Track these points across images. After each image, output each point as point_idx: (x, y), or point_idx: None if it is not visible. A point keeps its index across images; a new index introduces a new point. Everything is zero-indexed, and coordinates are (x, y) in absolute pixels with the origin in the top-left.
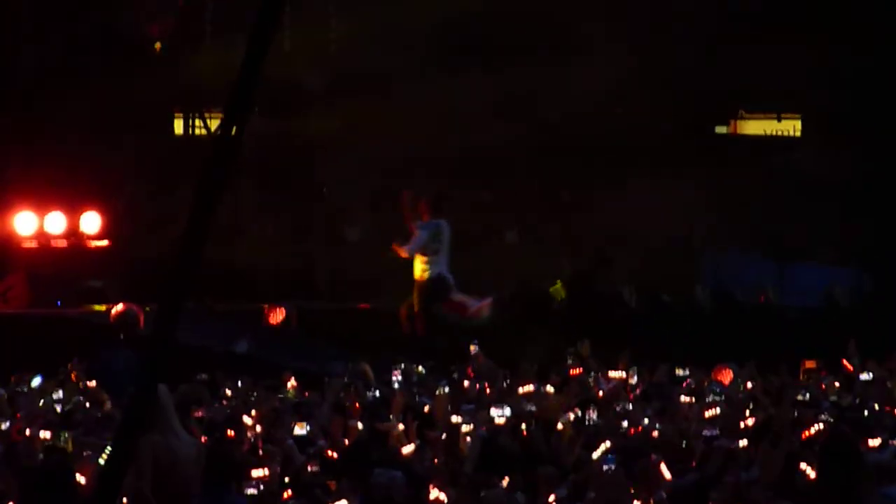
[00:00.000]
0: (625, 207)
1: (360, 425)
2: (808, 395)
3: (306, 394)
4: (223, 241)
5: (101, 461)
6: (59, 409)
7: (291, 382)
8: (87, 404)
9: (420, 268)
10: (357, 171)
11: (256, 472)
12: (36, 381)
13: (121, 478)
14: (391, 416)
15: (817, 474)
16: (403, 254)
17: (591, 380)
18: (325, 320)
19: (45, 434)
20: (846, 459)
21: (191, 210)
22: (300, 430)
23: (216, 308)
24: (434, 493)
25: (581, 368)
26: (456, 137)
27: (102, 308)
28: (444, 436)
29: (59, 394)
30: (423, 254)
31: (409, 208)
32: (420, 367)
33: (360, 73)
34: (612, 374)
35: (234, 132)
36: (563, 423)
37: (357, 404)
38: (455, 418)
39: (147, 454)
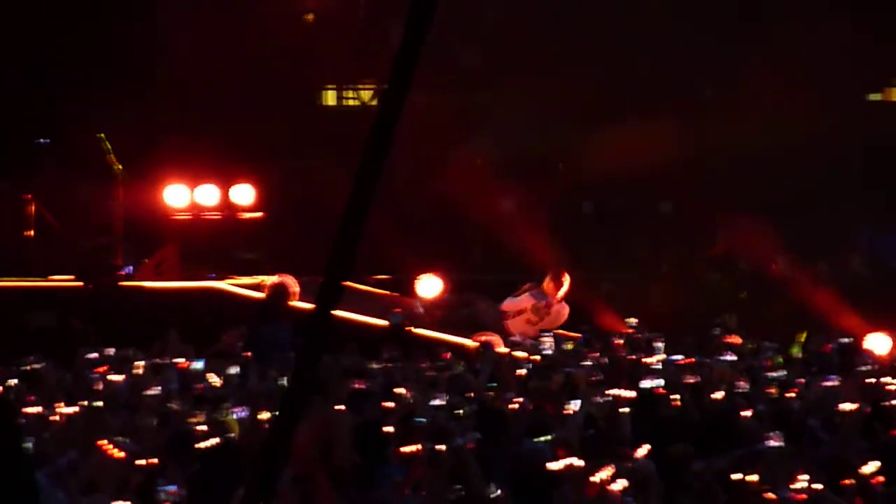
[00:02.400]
0: None
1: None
2: None
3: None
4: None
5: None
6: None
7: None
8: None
9: None
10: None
11: (405, 449)
12: (198, 365)
13: (284, 452)
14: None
15: None
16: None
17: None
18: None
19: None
20: None
21: (354, 182)
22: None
23: (372, 280)
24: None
25: (736, 338)
26: None
27: (256, 280)
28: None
29: (231, 370)
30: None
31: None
32: (569, 342)
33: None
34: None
35: (395, 104)
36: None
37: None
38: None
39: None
